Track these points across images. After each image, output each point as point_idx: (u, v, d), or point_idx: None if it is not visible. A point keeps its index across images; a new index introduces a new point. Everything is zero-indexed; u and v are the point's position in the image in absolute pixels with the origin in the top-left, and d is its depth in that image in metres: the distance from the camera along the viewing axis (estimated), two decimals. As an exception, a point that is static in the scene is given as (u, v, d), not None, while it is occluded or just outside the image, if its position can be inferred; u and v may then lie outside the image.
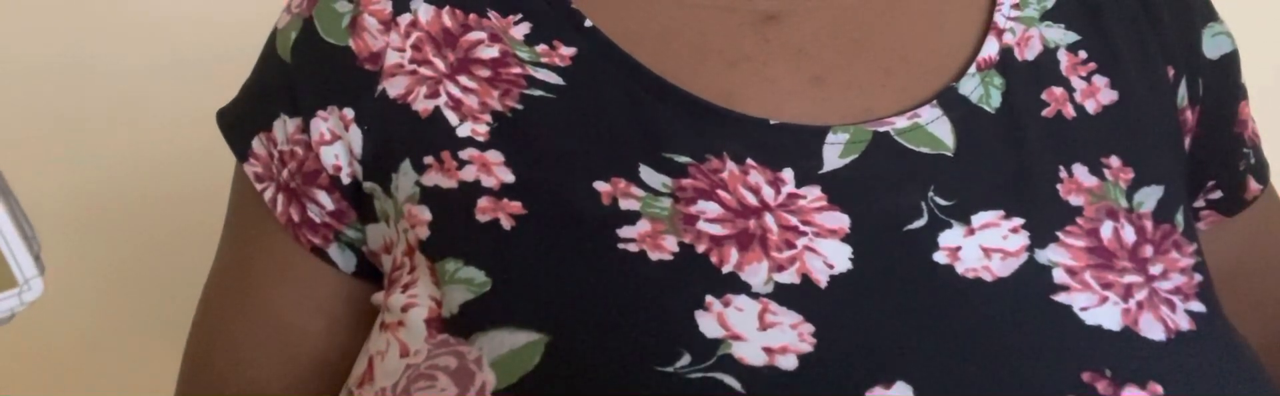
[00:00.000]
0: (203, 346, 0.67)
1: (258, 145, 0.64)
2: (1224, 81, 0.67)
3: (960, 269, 0.56)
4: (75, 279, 1.03)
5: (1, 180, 0.41)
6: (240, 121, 0.65)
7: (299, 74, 0.63)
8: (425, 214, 0.58)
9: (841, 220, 0.57)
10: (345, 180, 0.62)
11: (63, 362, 1.03)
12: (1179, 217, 0.61)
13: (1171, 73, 0.65)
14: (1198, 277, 0.59)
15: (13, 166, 1.01)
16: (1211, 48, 0.67)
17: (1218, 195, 0.67)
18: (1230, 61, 0.68)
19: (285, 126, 0.63)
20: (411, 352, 0.57)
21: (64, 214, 1.03)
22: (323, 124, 0.61)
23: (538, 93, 0.60)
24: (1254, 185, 0.68)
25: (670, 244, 0.56)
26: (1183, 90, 0.66)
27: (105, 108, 1.02)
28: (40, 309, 1.06)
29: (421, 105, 0.60)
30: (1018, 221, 0.58)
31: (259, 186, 0.64)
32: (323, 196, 0.62)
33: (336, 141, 0.61)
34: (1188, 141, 0.66)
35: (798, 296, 0.55)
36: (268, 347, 0.65)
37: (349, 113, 0.61)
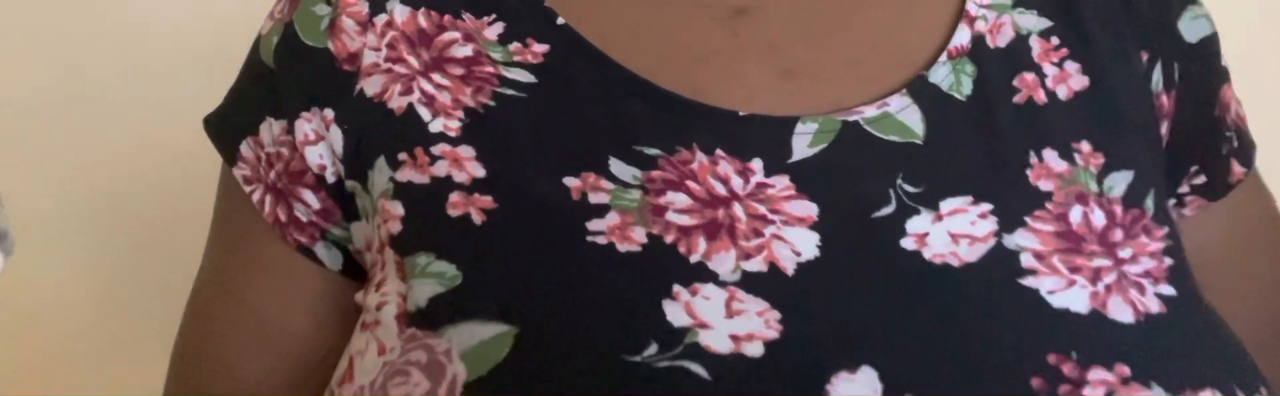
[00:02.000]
0: (191, 346, 0.68)
1: (246, 149, 0.65)
2: (1204, 65, 0.67)
3: (928, 254, 0.56)
4: (67, 278, 1.04)
5: None
6: (228, 127, 0.66)
7: (282, 77, 0.64)
8: (398, 209, 0.59)
9: (810, 208, 0.57)
10: (330, 179, 0.63)
11: (56, 362, 1.04)
12: (1149, 202, 0.61)
13: (1146, 57, 0.65)
14: (1168, 261, 0.59)
15: (6, 166, 1.03)
16: (1190, 31, 0.67)
17: (1201, 180, 0.67)
18: (1210, 44, 0.67)
19: (271, 129, 0.64)
20: (387, 350, 0.57)
21: (55, 213, 1.04)
22: (306, 125, 0.63)
23: (510, 91, 0.61)
24: (1238, 168, 0.68)
25: (639, 235, 0.56)
26: (1158, 75, 0.65)
27: (103, 107, 1.03)
28: (34, 308, 1.08)
29: (396, 102, 0.61)
30: (986, 207, 0.58)
31: (247, 188, 0.65)
32: (309, 195, 0.63)
33: (320, 141, 0.62)
34: (1165, 126, 0.65)
35: (765, 284, 0.55)
36: (255, 347, 0.66)
37: (330, 113, 0.62)
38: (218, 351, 0.67)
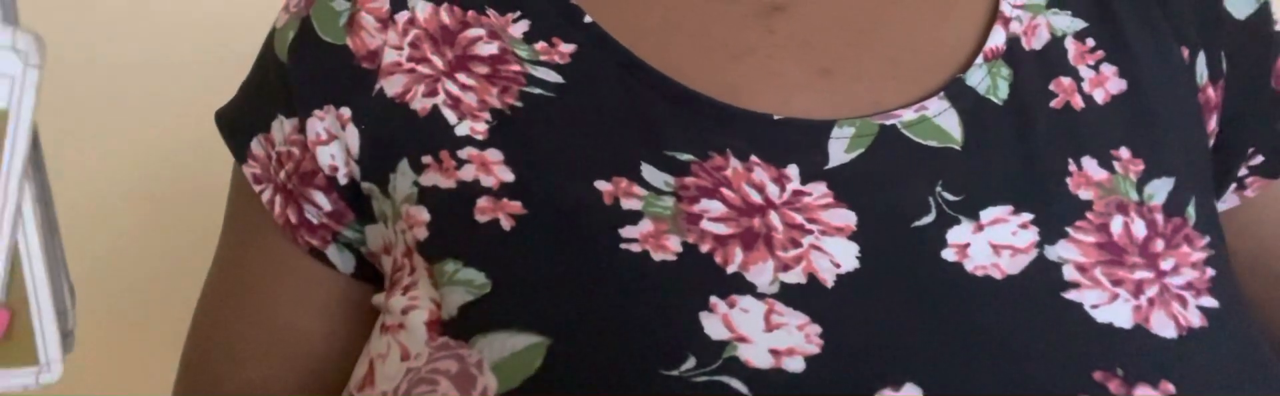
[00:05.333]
0: (200, 346, 0.67)
1: (256, 146, 0.63)
2: (1256, 39, 0.65)
3: (969, 266, 0.55)
4: (75, 277, 1.02)
5: (56, 245, 0.38)
6: (238, 123, 0.64)
7: (296, 73, 0.62)
8: (423, 214, 0.58)
9: (848, 217, 0.56)
10: (342, 180, 0.61)
11: (68, 363, 1.03)
12: (1191, 210, 0.60)
13: (1186, 53, 0.64)
14: (1211, 272, 0.58)
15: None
16: (1238, 8, 0.65)
17: (1259, 160, 0.66)
18: (1262, 14, 0.66)
19: (283, 127, 0.62)
20: (412, 356, 0.56)
21: (61, 212, 1.02)
22: (319, 124, 0.61)
23: (537, 91, 0.59)
24: None
25: (673, 244, 0.55)
26: (1202, 67, 0.64)
27: (107, 105, 1.01)
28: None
29: (419, 103, 0.59)
30: (1027, 217, 0.57)
31: (257, 187, 0.63)
32: (319, 197, 0.62)
33: (333, 141, 0.61)
34: (1213, 119, 0.64)
35: (804, 296, 0.54)
36: (265, 348, 0.64)
37: (346, 112, 0.60)
38: (227, 351, 0.65)
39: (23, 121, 0.35)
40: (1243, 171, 0.66)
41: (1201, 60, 0.64)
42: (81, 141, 1.00)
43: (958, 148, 0.59)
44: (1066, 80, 0.62)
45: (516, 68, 0.60)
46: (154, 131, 0.95)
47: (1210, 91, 0.64)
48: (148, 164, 0.99)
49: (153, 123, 0.94)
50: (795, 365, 0.51)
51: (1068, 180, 0.59)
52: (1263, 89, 0.65)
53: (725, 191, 0.56)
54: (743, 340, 0.52)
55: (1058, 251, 0.56)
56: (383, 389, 0.57)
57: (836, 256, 0.55)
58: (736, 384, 0.51)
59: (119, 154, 1.00)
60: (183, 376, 0.67)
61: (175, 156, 0.95)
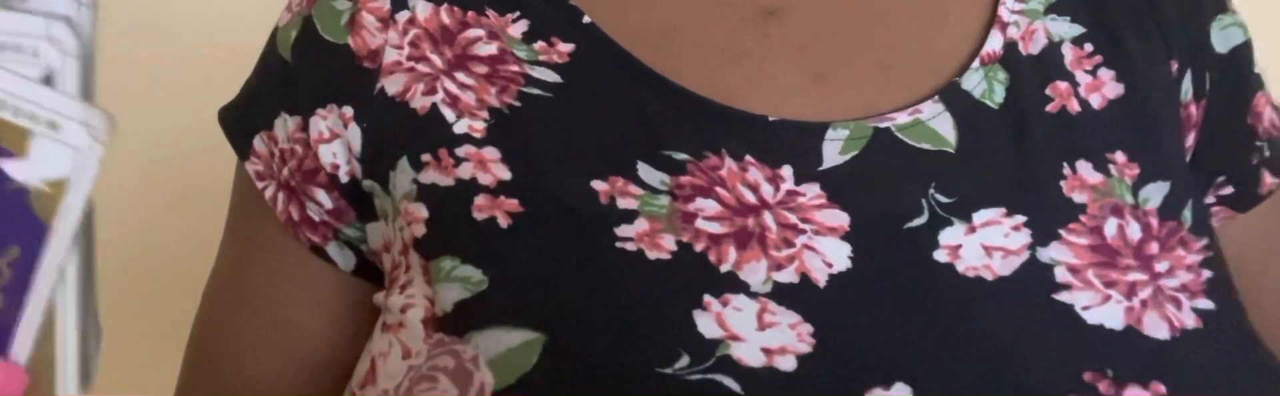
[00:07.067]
0: (204, 343, 0.67)
1: (259, 144, 0.64)
2: (1235, 75, 0.66)
3: (961, 267, 0.56)
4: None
5: (91, 303, 0.39)
6: (242, 120, 0.65)
7: (299, 72, 0.63)
8: (422, 211, 0.58)
9: (841, 218, 0.57)
10: (344, 179, 0.61)
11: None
12: (1186, 213, 0.60)
13: (1176, 66, 0.64)
14: (1207, 274, 0.59)
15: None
16: (1221, 41, 0.66)
17: (1228, 191, 0.66)
18: (1242, 53, 0.66)
19: (286, 125, 0.63)
20: (413, 354, 0.56)
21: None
22: (321, 122, 0.61)
23: (536, 91, 0.60)
24: (1270, 179, 0.66)
25: (668, 242, 0.55)
26: (1188, 84, 0.64)
27: (112, 105, 1.02)
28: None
29: (419, 102, 0.60)
30: (1020, 219, 0.57)
31: (260, 184, 0.64)
32: (321, 195, 0.62)
33: (335, 140, 0.61)
34: (1192, 137, 0.65)
35: (796, 296, 0.54)
36: (268, 345, 0.65)
37: (348, 110, 0.61)
38: (228, 347, 0.66)
39: (80, 191, 0.37)
40: (1209, 199, 0.66)
41: (1188, 77, 0.64)
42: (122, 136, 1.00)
43: (951, 150, 0.59)
44: (1063, 85, 0.62)
45: (515, 68, 0.61)
46: (172, 128, 0.96)
47: (1192, 109, 0.64)
48: (167, 160, 1.00)
49: (173, 120, 0.95)
50: (787, 363, 0.52)
51: (1062, 183, 0.59)
52: (1238, 125, 0.66)
53: (720, 191, 0.57)
54: (735, 338, 0.53)
55: (1050, 253, 0.57)
56: (385, 387, 0.57)
57: (829, 256, 0.55)
58: (729, 382, 0.51)
59: (137, 150, 1.01)
60: (187, 372, 0.68)
61: (191, 153, 0.96)
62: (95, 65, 0.39)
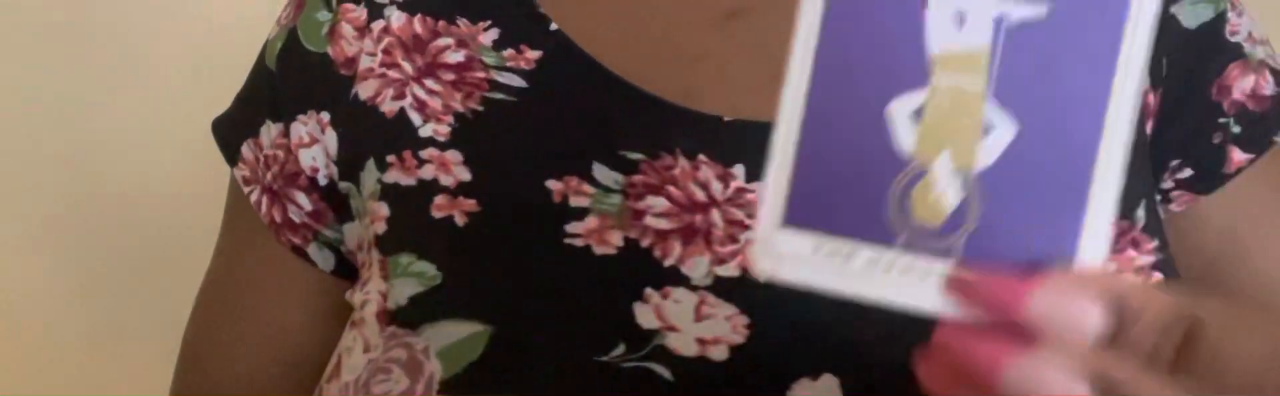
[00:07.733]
0: (194, 343, 0.70)
1: (247, 151, 0.67)
2: (1200, 50, 0.64)
3: None
4: (77, 278, 1.06)
5: None
6: (231, 129, 0.68)
7: (282, 81, 0.66)
8: (383, 210, 0.61)
9: None
10: (323, 181, 0.64)
11: (61, 363, 1.06)
12: (1139, 213, 0.60)
13: None
14: (1156, 277, 0.59)
15: (14, 163, 1.05)
16: (1189, 17, 0.64)
17: (1187, 174, 0.64)
18: (1212, 28, 0.64)
19: (269, 131, 0.66)
20: (371, 347, 0.59)
21: (62, 213, 1.07)
22: (302, 128, 0.64)
23: (499, 95, 0.62)
24: (1239, 155, 0.64)
25: (616, 239, 0.57)
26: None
27: (111, 109, 1.06)
28: (36, 310, 1.10)
29: (388, 106, 0.62)
30: None
31: (246, 189, 0.67)
32: (301, 197, 0.65)
33: (315, 144, 0.64)
34: (1150, 124, 0.64)
35: (736, 289, 0.55)
36: (254, 344, 0.68)
37: (325, 116, 0.64)
38: (218, 347, 0.69)
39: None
40: (1168, 184, 0.64)
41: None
42: (120, 141, 1.04)
43: None
44: None
45: (481, 74, 0.63)
46: (187, 132, 0.99)
47: (1149, 97, 0.64)
48: (183, 163, 1.03)
49: (173, 122, 0.98)
50: (719, 353, 0.53)
51: None
52: (1199, 100, 0.64)
53: (671, 189, 0.58)
54: (672, 329, 0.54)
55: None
56: (347, 380, 0.60)
57: None
58: (661, 369, 0.53)
59: (155, 153, 1.04)
60: (180, 371, 0.71)
61: (204, 157, 0.99)
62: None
